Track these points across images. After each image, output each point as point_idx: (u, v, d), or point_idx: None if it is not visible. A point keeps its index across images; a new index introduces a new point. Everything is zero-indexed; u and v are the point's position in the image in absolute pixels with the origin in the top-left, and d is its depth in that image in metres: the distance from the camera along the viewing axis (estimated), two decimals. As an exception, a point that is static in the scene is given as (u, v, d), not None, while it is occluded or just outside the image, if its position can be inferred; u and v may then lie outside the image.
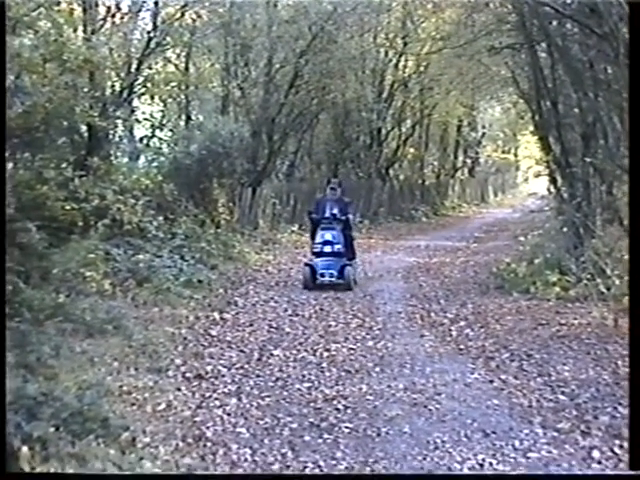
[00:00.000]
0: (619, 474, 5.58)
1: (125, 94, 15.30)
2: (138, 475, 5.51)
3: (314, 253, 13.84)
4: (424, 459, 5.96)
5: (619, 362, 8.49)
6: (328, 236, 13.65)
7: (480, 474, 5.55)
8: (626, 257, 11.39)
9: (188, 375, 8.13)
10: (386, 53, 26.56)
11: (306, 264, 13.79)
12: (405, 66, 27.50)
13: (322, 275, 13.45)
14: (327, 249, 13.63)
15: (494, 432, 6.47)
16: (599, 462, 5.82)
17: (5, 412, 5.33)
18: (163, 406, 7.00)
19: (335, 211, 13.91)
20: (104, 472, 5.40)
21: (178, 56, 20.57)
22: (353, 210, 15.10)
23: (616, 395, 7.39)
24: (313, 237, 14.10)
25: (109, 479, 5.45)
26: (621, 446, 6.10)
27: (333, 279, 13.43)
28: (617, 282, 10.89)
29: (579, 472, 5.65)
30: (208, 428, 6.54)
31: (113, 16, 15.37)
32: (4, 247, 6.61)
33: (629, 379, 4.99)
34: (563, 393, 7.56)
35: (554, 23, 13.73)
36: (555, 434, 6.44)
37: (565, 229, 13.84)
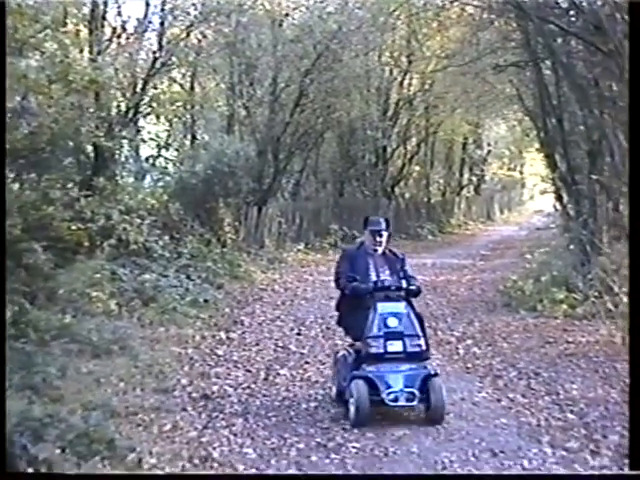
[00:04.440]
0: (619, 474, 5.59)
1: (131, 114, 15.32)
2: (138, 475, 5.49)
3: (370, 355, 7.39)
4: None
5: (628, 380, 8.44)
6: (393, 322, 7.40)
7: (480, 474, 5.50)
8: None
9: (194, 395, 8.11)
10: (391, 71, 26.60)
11: (356, 376, 7.31)
12: (410, 84, 27.55)
13: (392, 397, 7.17)
14: (394, 347, 7.36)
15: (502, 452, 6.42)
16: (609, 482, 5.78)
17: (5, 412, 5.31)
18: (169, 427, 6.97)
19: (387, 275, 7.83)
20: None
21: (183, 76, 20.65)
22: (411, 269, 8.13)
23: (625, 414, 7.30)
24: (345, 322, 8.07)
25: (109, 479, 5.44)
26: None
27: (413, 403, 7.22)
28: (625, 299, 10.83)
29: (579, 472, 5.58)
30: (214, 449, 6.51)
31: (119, 37, 15.45)
32: (4, 253, 6.60)
33: (629, 380, 4.96)
34: (572, 412, 7.52)
35: (559, 41, 13.76)
36: (564, 453, 6.38)
37: (572, 246, 13.82)
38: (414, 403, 7.21)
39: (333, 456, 6.42)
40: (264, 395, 8.27)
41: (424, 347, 7.52)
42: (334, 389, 8.01)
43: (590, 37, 11.25)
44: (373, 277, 7.78)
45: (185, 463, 6.08)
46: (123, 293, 11.85)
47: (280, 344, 10.78)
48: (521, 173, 44.68)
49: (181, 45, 16.65)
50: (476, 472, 5.95)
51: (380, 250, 7.96)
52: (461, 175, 35.82)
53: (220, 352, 10.15)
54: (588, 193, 13.83)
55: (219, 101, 22.25)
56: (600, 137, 13.23)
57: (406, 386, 7.20)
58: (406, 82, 27.27)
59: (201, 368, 9.27)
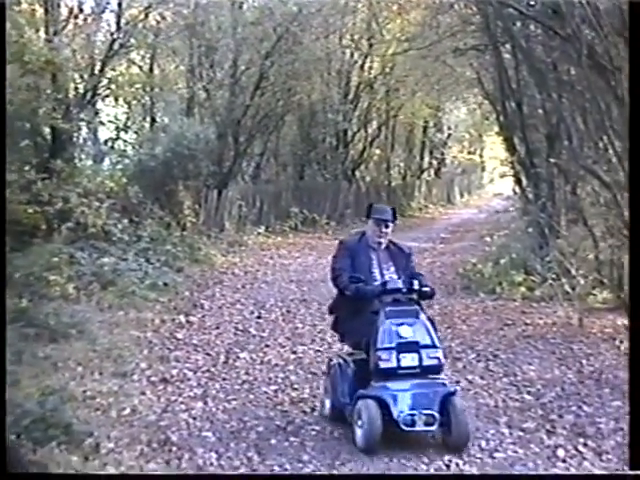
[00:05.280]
0: (619, 474, 5.55)
1: (89, 96, 15.15)
2: (138, 475, 5.46)
3: (380, 370, 6.31)
4: (391, 461, 5.94)
5: (583, 361, 8.60)
6: (406, 331, 6.33)
7: (481, 474, 5.50)
8: (590, 257, 11.54)
9: (153, 379, 8.07)
10: (352, 54, 26.54)
11: (364, 395, 6.29)
12: (371, 67, 27.52)
13: (408, 420, 6.11)
14: (409, 361, 6.29)
15: (461, 433, 6.46)
16: (564, 460, 5.86)
17: (5, 412, 5.26)
18: (128, 411, 6.94)
19: (392, 273, 6.84)
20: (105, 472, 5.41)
21: (142, 58, 20.44)
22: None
23: (580, 394, 7.47)
24: (342, 328, 6.99)
25: (109, 479, 5.41)
26: (585, 444, 6.16)
27: (432, 427, 6.17)
28: (582, 282, 10.99)
29: (579, 472, 5.60)
30: (173, 432, 6.49)
31: (76, 17, 15.23)
32: (4, 248, 6.51)
33: (629, 379, 5.01)
34: (529, 393, 7.62)
35: (518, 24, 13.81)
36: (521, 434, 6.48)
37: (530, 229, 13.94)
38: (434, 428, 6.14)
39: (292, 439, 6.44)
40: (224, 378, 8.26)
41: (442, 360, 6.45)
42: (328, 404, 6.92)
43: (548, 21, 11.29)
44: (377, 276, 6.76)
45: (144, 447, 6.06)
46: (81, 277, 11.74)
47: (240, 327, 10.76)
48: (481, 156, 44.84)
49: (139, 27, 16.45)
50: (442, 468, 5.94)
51: (384, 243, 6.94)
52: (421, 158, 35.89)
53: (180, 336, 10.11)
54: (546, 176, 13.94)
55: (179, 83, 22.02)
56: (558, 121, 13.32)
57: (424, 407, 6.11)
58: (367, 65, 27.23)
59: (160, 352, 9.23)
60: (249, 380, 8.21)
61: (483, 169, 46.95)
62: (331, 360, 7.13)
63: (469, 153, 43.01)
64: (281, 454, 6.11)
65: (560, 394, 7.52)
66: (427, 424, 6.09)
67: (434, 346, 6.34)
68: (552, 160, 13.12)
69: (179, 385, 7.94)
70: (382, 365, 6.26)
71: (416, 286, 6.56)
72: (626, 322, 9.99)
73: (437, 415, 6.09)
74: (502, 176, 22.05)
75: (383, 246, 6.91)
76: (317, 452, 6.15)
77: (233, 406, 7.33)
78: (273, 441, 6.40)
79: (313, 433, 6.58)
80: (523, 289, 12.47)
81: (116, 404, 7.07)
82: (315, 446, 6.28)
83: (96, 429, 6.19)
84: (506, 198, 22.45)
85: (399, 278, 6.68)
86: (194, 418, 6.92)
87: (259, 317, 11.46)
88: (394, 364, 6.25)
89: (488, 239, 17.07)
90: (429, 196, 36.02)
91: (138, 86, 18.48)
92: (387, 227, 6.87)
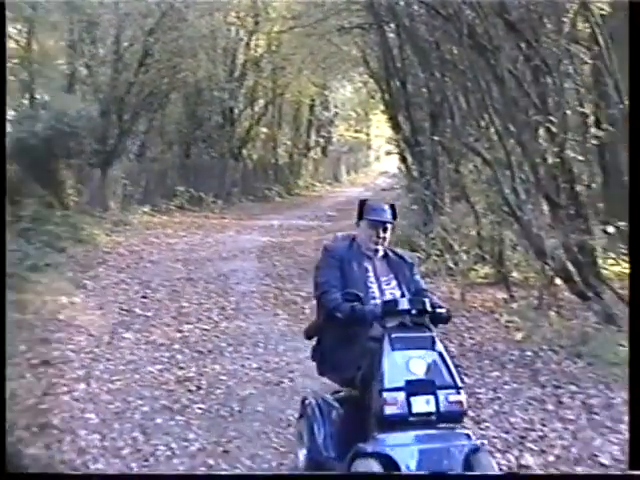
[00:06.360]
0: (619, 474, 5.38)
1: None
2: (139, 475, 5.32)
3: (385, 418, 4.46)
4: (277, 436, 5.97)
5: (465, 334, 8.81)
6: (419, 367, 4.55)
7: (481, 474, 5.51)
8: (472, 233, 11.80)
9: (34, 362, 7.84)
10: (237, 32, 26.47)
11: (365, 453, 4.41)
12: (257, 45, 27.48)
13: None
14: (422, 406, 4.48)
15: (346, 407, 6.52)
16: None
17: (5, 412, 5.04)
18: (6, 395, 6.72)
19: (393, 288, 5.17)
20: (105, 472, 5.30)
21: (19, 32, 19.75)
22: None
23: (462, 366, 7.63)
24: (326, 357, 5.22)
25: (109, 479, 5.32)
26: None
27: None
28: (464, 257, 11.24)
29: (579, 472, 5.52)
30: (55, 415, 6.35)
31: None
32: (4, 251, 6.23)
33: (629, 378, 5.07)
34: (412, 366, 7.73)
35: (401, 3, 13.91)
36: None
37: (415, 206, 14.17)
38: None
39: (178, 418, 6.40)
40: (108, 359, 8.12)
41: (465, 405, 4.65)
42: (302, 456, 5.28)
43: (430, 0, 11.42)
44: (375, 292, 5.12)
45: (22, 432, 5.90)
46: (-43, 258, 11.32)
47: (125, 307, 10.58)
48: (367, 135, 45.26)
49: (16, -1, 15.94)
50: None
51: (382, 251, 5.33)
52: (308, 137, 36.06)
53: (62, 317, 9.85)
54: (430, 154, 14.17)
55: (59, 59, 21.46)
56: (442, 99, 13.51)
57: (445, 468, 4.40)
58: (253, 43, 27.19)
59: (42, 334, 8.97)
60: (134, 360, 8.10)
61: (369, 147, 47.49)
62: (305, 399, 5.48)
63: (355, 131, 43.37)
64: (167, 433, 6.06)
65: (442, 367, 7.69)
66: None
67: (455, 387, 4.60)
68: (436, 138, 13.32)
69: (61, 367, 7.75)
70: (388, 411, 4.47)
71: (428, 307, 4.75)
72: (505, 296, 10.30)
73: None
74: (388, 154, 22.37)
75: (380, 254, 5.32)
76: (203, 430, 6.12)
77: (117, 387, 7.21)
78: (158, 420, 6.34)
79: (199, 411, 6.55)
80: (408, 265, 12.65)
81: (-6, 388, 6.85)
82: (201, 424, 6.25)
83: (-28, 415, 5.98)
84: (392, 176, 22.80)
85: (402, 294, 5.10)
86: (76, 400, 6.79)
87: (144, 297, 11.30)
88: (404, 410, 4.49)
89: (374, 217, 17.22)
90: (316, 174, 36.26)
91: (15, 61, 17.89)
92: (385, 230, 5.29)
